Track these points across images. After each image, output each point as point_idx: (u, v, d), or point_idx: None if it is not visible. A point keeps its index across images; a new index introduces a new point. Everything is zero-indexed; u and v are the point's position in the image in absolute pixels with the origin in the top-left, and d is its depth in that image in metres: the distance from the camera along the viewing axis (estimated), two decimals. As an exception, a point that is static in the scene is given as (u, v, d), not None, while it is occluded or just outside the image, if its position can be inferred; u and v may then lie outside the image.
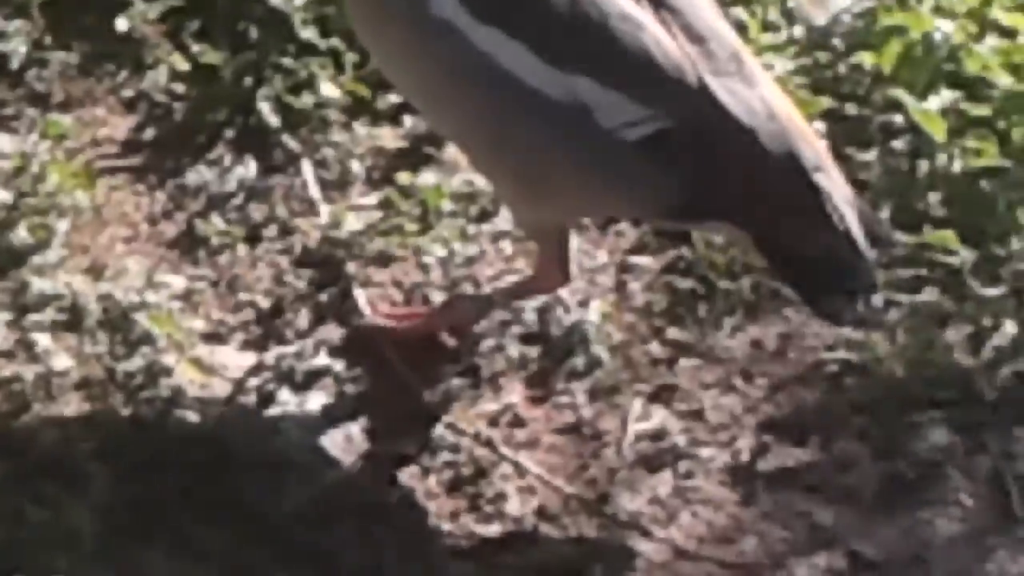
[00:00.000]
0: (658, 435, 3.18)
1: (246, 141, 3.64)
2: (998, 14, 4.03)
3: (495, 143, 3.11)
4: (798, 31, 3.99)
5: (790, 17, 4.09)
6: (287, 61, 3.73)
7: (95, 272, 3.31)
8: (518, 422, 3.18)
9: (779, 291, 3.33)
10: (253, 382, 3.21)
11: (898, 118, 3.74)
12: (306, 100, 3.69)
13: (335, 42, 3.76)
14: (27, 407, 3.04)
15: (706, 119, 2.90)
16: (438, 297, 3.37)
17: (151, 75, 3.77)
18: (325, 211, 3.48)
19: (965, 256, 3.48)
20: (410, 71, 3.18)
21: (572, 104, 2.96)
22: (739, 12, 3.98)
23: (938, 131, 3.63)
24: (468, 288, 3.40)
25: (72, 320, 3.23)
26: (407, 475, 3.13)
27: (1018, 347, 3.35)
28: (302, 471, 3.09)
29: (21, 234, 3.37)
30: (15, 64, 3.74)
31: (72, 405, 3.10)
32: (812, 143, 2.98)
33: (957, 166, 3.66)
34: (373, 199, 3.54)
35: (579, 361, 3.27)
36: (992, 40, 3.94)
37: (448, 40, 2.98)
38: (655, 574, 2.96)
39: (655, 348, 3.35)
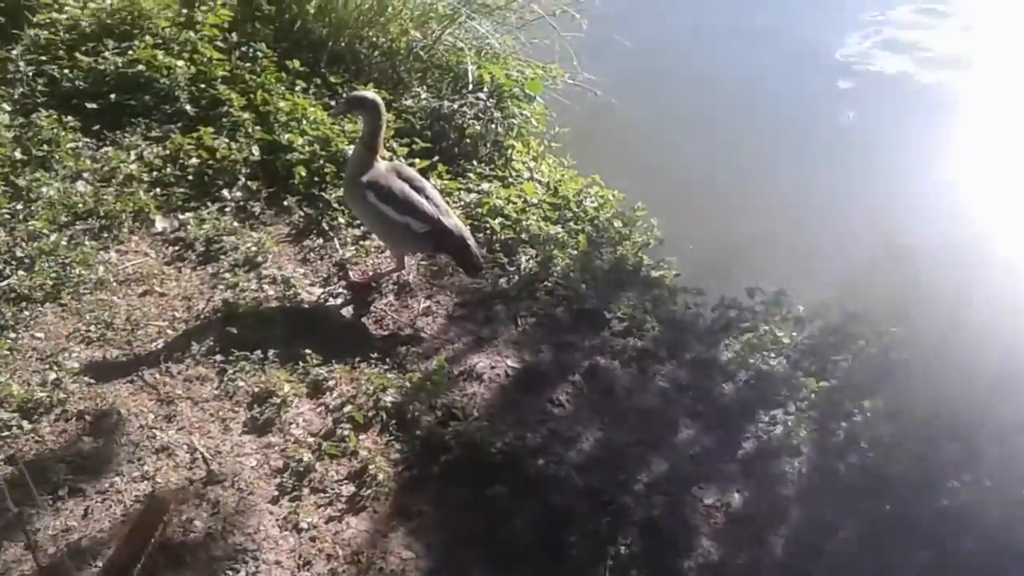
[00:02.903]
0: (428, 308, 3.84)
1: (323, 237, 4.09)
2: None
3: (385, 237, 3.81)
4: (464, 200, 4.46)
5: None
6: (331, 217, 4.18)
7: (281, 268, 3.87)
8: (393, 308, 3.83)
9: (459, 272, 3.93)
10: (318, 292, 3.80)
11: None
12: (335, 222, 4.15)
13: (342, 211, 4.17)
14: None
15: (438, 227, 3.63)
16: (370, 272, 3.95)
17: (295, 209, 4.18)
18: (340, 252, 4.01)
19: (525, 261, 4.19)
20: (362, 218, 3.90)
21: (406, 225, 3.61)
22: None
23: (496, 228, 4.34)
24: (380, 270, 3.96)
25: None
26: (366, 320, 3.75)
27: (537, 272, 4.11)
28: (333, 316, 3.73)
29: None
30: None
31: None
32: (466, 230, 3.75)
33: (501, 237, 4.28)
34: (352, 249, 4.04)
35: (407, 285, 3.93)
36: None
37: (372, 207, 3.64)
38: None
39: (424, 286, 3.97)
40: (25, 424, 2.95)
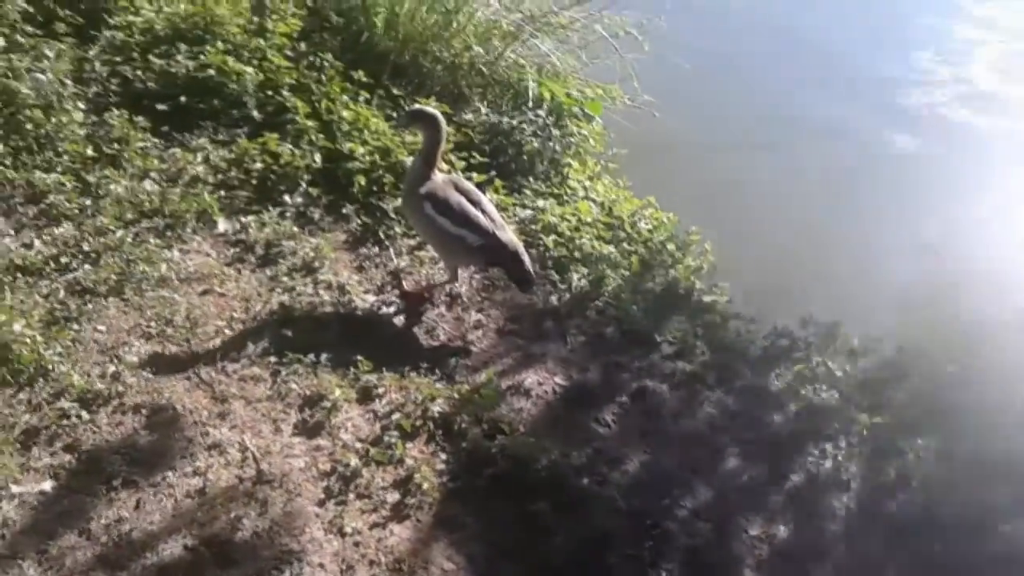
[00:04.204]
0: (479, 322, 3.89)
1: (379, 246, 4.14)
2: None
3: (440, 248, 3.82)
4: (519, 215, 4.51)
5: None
6: (387, 226, 4.23)
7: (337, 274, 3.91)
8: (444, 320, 3.85)
9: (511, 287, 3.94)
10: (372, 300, 3.82)
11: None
12: (391, 232, 4.20)
13: (398, 220, 4.23)
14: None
15: (493, 241, 3.65)
16: (424, 283, 3.97)
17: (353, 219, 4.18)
18: (395, 261, 4.04)
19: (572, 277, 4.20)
20: (418, 229, 3.93)
21: (461, 237, 3.64)
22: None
23: (550, 245, 4.34)
24: (434, 281, 3.98)
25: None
26: (417, 329, 3.78)
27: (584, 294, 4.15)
28: (385, 324, 3.76)
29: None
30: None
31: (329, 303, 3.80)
32: (520, 246, 3.75)
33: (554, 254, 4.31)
34: (407, 259, 4.09)
35: (459, 297, 3.96)
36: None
37: (429, 218, 3.67)
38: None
39: (476, 299, 4.00)
40: (84, 414, 3.00)
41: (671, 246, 4.62)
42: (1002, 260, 5.14)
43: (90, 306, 3.41)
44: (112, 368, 3.19)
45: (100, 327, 3.36)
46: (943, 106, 7.17)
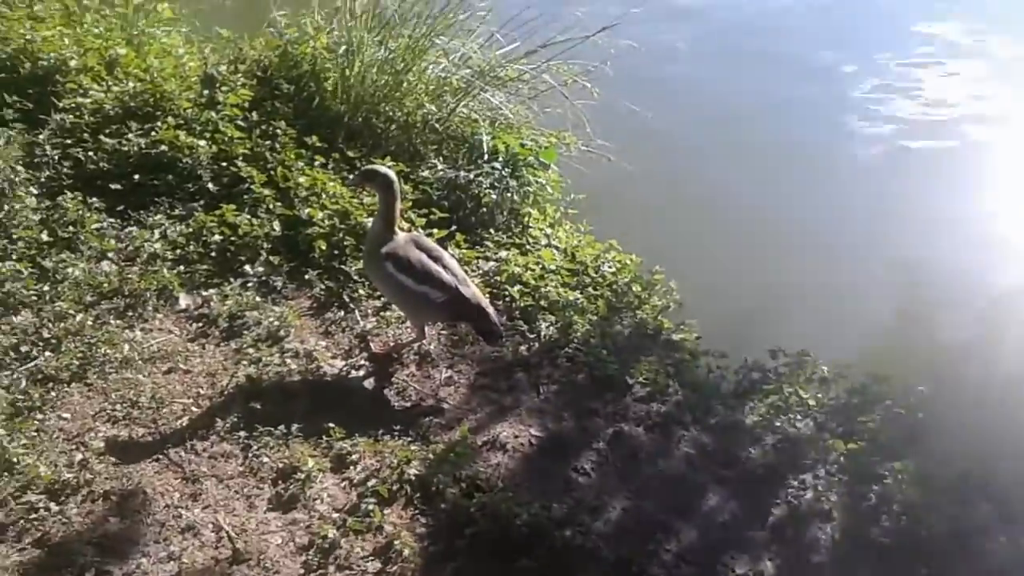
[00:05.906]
0: (450, 378, 3.87)
1: (344, 310, 4.15)
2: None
3: (404, 307, 3.84)
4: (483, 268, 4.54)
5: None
6: (351, 289, 4.22)
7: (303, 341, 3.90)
8: (415, 379, 3.84)
9: (479, 341, 3.94)
10: (340, 364, 3.80)
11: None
12: (356, 294, 4.19)
13: (362, 283, 4.23)
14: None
15: (456, 296, 3.66)
16: (392, 343, 3.97)
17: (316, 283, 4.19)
18: (362, 323, 4.04)
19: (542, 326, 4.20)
20: (382, 289, 3.94)
21: (424, 295, 3.66)
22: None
23: (515, 295, 4.34)
24: (401, 340, 3.98)
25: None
26: (388, 391, 3.76)
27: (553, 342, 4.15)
28: (355, 389, 3.75)
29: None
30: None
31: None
32: (485, 299, 3.79)
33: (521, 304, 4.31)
34: (373, 320, 4.08)
35: (428, 355, 3.94)
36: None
37: (391, 278, 3.68)
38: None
39: (446, 356, 4.01)
40: (52, 506, 2.94)
41: (636, 287, 4.65)
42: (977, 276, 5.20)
43: (53, 394, 3.37)
44: (79, 456, 3.14)
45: (65, 414, 3.31)
46: (905, 134, 7.30)
